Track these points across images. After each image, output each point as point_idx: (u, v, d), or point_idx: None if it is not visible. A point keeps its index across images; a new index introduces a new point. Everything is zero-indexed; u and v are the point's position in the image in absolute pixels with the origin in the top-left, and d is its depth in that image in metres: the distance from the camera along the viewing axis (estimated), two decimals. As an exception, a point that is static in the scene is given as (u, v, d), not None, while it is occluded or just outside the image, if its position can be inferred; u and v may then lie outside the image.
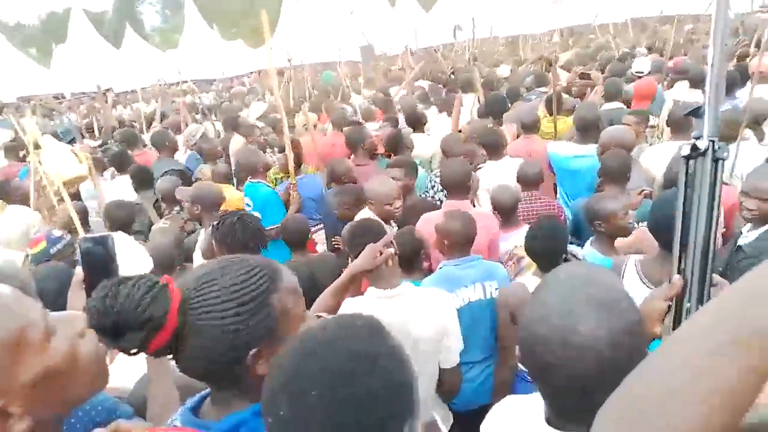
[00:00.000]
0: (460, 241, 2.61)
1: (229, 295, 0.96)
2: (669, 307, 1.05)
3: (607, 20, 14.47)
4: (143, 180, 4.80)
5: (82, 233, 3.40)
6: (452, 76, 9.00)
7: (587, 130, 4.02)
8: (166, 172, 4.94)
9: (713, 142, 0.96)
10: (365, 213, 3.20)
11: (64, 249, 3.23)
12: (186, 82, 15.19)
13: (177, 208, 4.20)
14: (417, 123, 5.54)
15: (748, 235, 2.60)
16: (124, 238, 3.51)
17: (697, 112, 3.82)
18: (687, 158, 0.99)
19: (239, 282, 0.97)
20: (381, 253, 1.85)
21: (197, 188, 3.62)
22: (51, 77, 20.95)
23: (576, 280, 1.01)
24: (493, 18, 14.34)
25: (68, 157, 4.48)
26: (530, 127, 4.60)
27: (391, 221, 3.22)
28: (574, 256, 2.88)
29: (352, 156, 4.59)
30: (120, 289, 0.91)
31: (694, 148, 0.97)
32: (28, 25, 54.06)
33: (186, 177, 5.00)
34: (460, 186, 3.26)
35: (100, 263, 1.31)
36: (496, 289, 2.60)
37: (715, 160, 0.96)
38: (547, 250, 2.49)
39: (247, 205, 4.13)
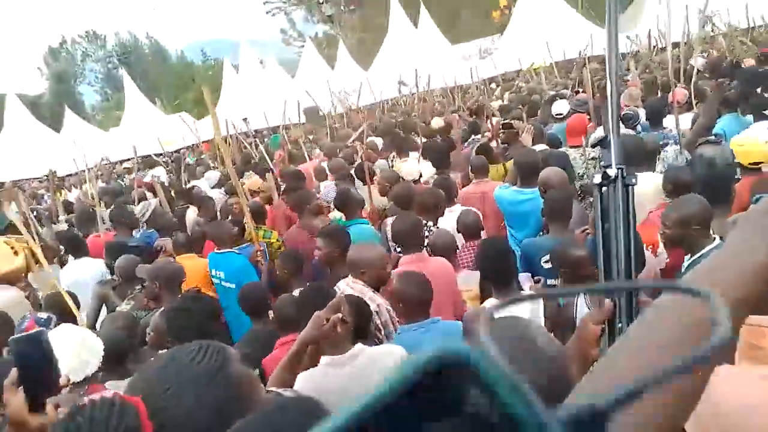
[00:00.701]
0: (415, 304, 2.57)
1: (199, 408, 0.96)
2: (603, 329, 1.09)
3: (535, 65, 15.34)
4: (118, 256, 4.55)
5: (78, 315, 3.27)
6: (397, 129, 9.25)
7: (529, 174, 4.18)
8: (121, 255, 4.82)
9: (621, 169, 1.03)
10: (345, 284, 2.95)
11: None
12: (131, 159, 15.03)
13: (138, 287, 4.04)
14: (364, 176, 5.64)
15: (683, 265, 2.75)
16: (69, 329, 3.33)
17: (603, 142, 4.06)
18: (599, 186, 1.05)
19: (202, 386, 0.97)
20: (328, 320, 1.84)
21: (155, 265, 3.53)
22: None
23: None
24: (431, 72, 14.94)
25: (2, 249, 4.26)
26: (480, 170, 4.75)
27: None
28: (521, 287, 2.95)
29: (298, 219, 4.56)
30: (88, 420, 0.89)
31: (605, 176, 1.04)
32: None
33: (147, 253, 4.85)
34: (411, 239, 3.29)
35: (34, 363, 1.26)
36: None
37: (625, 186, 1.03)
38: (498, 266, 2.55)
39: (216, 277, 4.04)
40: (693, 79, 6.65)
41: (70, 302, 3.33)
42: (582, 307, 2.33)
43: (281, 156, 9.05)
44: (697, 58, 9.07)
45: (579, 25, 18.92)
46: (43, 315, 3.15)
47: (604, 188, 1.04)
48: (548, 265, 3.22)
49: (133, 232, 5.59)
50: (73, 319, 3.23)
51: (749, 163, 3.45)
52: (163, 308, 3.10)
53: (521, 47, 17.53)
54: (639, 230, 2.71)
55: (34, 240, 4.96)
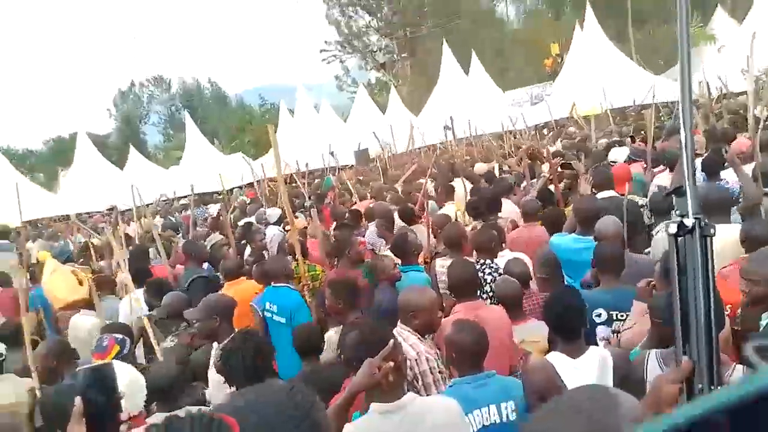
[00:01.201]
0: (469, 355, 2.47)
1: None
2: (681, 390, 1.02)
3: (586, 111, 15.19)
4: (158, 292, 4.67)
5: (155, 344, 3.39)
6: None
7: (587, 221, 4.07)
8: (194, 279, 4.93)
9: (699, 219, 0.99)
10: (401, 330, 2.89)
11: (131, 347, 3.27)
12: (187, 196, 15.61)
13: (183, 324, 4.11)
14: (410, 218, 5.62)
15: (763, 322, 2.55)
16: (119, 365, 3.41)
17: (678, 191, 3.92)
18: (675, 236, 1.00)
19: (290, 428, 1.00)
20: (380, 368, 1.80)
21: (210, 300, 3.55)
22: (57, 201, 21.54)
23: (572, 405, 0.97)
24: (481, 117, 15.05)
25: (68, 279, 4.47)
26: (531, 214, 4.67)
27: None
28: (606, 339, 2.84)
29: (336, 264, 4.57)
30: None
31: (681, 225, 1.00)
32: (36, 151, 56.47)
33: (213, 283, 4.97)
34: (467, 286, 3.22)
35: (102, 396, 1.28)
36: (513, 411, 2.41)
37: (703, 237, 0.98)
38: (567, 319, 2.45)
39: (269, 310, 4.08)
40: (758, 129, 6.40)
41: (150, 330, 3.46)
42: (653, 363, 2.20)
43: (333, 197, 9.22)
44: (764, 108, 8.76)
45: (632, 73, 18.75)
46: (119, 335, 3.26)
47: (680, 239, 1.00)
48: (600, 319, 3.11)
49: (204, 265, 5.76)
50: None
51: None
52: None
53: (574, 94, 17.43)
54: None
55: (93, 271, 5.20)
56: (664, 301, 2.07)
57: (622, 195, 5.18)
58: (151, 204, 16.14)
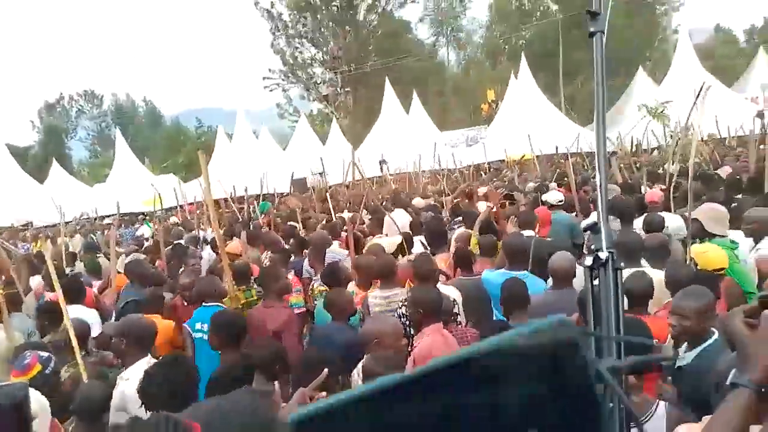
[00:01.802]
0: None
1: None
2: None
3: (515, 156, 15.98)
4: (52, 318, 4.29)
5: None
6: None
7: (516, 257, 4.29)
8: (127, 302, 4.71)
9: (612, 252, 1.07)
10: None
11: (55, 367, 2.94)
12: (112, 215, 14.94)
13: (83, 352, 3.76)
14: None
15: (685, 356, 2.72)
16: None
17: (594, 228, 4.17)
18: (590, 268, 1.08)
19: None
20: (312, 399, 1.80)
21: (124, 322, 3.44)
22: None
23: None
24: (416, 155, 15.42)
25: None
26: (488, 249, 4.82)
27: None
28: None
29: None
30: None
31: (596, 259, 1.08)
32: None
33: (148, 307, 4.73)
34: (434, 309, 3.31)
35: (9, 422, 1.19)
36: None
37: (615, 270, 1.07)
38: None
39: (200, 330, 4.04)
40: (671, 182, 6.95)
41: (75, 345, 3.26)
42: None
43: (267, 221, 9.15)
44: (676, 163, 9.55)
45: (560, 123, 19.92)
46: (44, 354, 3.01)
47: (594, 271, 1.07)
48: None
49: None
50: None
51: (712, 270, 3.58)
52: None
53: (506, 139, 18.29)
54: (649, 322, 2.77)
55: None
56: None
57: (542, 236, 5.47)
58: (71, 221, 15.29)
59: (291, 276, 5.32)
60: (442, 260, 4.88)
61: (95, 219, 16.85)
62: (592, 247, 1.12)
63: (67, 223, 15.05)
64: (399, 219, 6.67)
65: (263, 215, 10.14)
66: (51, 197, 14.23)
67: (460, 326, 3.84)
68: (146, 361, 3.07)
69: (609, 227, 1.12)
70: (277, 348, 3.09)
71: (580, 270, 4.14)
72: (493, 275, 4.29)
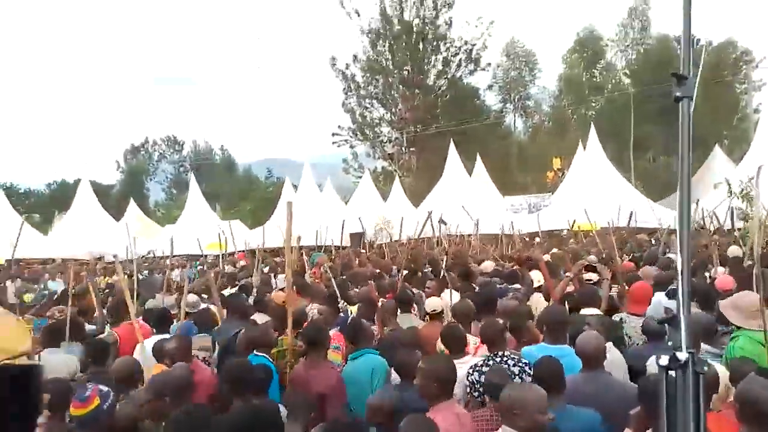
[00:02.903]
0: None
1: None
2: None
3: (582, 227, 15.49)
4: (97, 355, 4.48)
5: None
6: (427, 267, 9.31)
7: (554, 332, 4.09)
8: (236, 333, 4.67)
9: (692, 354, 0.94)
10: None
11: (112, 402, 3.00)
12: (176, 256, 15.47)
13: (133, 391, 3.76)
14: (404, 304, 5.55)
15: None
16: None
17: (672, 320, 3.86)
18: (666, 369, 0.96)
19: None
20: None
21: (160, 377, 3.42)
22: (47, 243, 21.32)
23: None
24: (479, 217, 15.25)
25: (11, 329, 4.26)
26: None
27: None
28: None
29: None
30: None
31: (674, 358, 0.95)
32: (36, 191, 56.69)
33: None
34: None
35: None
36: None
37: (696, 374, 0.93)
38: None
39: None
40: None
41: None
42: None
43: (315, 273, 9.28)
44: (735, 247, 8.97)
45: (629, 196, 19.24)
46: (105, 388, 3.08)
47: (671, 372, 0.95)
48: None
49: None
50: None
51: None
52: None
53: (570, 208, 17.82)
54: (714, 420, 2.50)
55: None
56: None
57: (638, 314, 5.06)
58: (139, 258, 15.97)
59: (334, 331, 5.22)
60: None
61: (159, 258, 17.52)
62: (670, 343, 1.00)
63: (133, 260, 15.76)
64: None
65: (314, 267, 10.26)
66: (126, 234, 14.96)
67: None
68: None
69: (692, 321, 0.99)
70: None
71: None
72: (533, 349, 4.05)
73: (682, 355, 0.94)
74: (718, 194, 15.68)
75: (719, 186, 17.78)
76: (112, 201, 42.78)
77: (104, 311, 6.29)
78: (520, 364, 3.72)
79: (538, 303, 5.84)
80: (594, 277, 6.25)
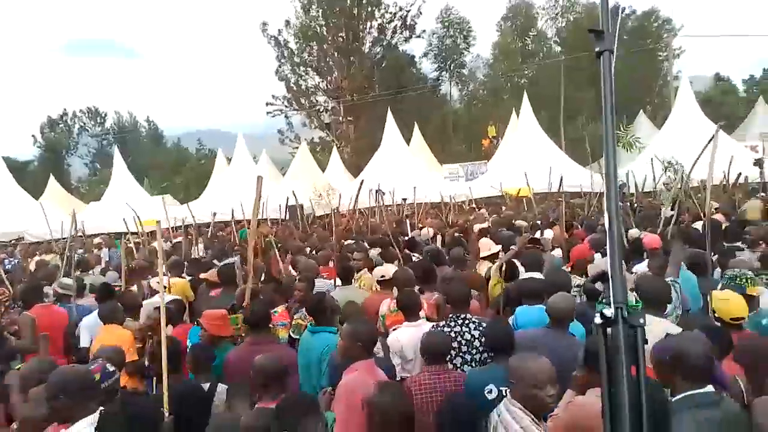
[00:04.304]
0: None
1: None
2: None
3: (514, 192, 15.93)
4: None
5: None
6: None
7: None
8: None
9: (620, 308, 0.90)
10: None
11: (111, 384, 2.88)
12: (100, 234, 14.75)
13: None
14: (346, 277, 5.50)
15: None
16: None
17: (603, 277, 3.99)
18: (602, 327, 0.91)
19: None
20: None
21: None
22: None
23: None
24: (418, 186, 15.34)
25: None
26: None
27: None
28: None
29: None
30: None
31: (603, 315, 0.91)
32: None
33: None
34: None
35: None
36: None
37: (632, 328, 0.89)
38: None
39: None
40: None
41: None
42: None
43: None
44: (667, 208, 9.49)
45: (561, 161, 19.89)
46: (111, 368, 2.98)
47: (608, 329, 0.90)
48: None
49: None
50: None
51: (730, 318, 3.39)
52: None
53: (505, 174, 18.25)
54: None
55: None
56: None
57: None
58: (63, 239, 15.07)
59: (281, 308, 5.09)
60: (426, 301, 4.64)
61: (88, 236, 16.59)
62: (604, 300, 0.95)
63: (57, 240, 14.82)
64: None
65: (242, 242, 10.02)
66: (44, 213, 14.00)
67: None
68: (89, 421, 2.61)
69: (622, 277, 0.95)
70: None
71: None
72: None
73: (609, 311, 0.89)
74: (643, 159, 16.48)
75: (642, 150, 18.71)
76: (30, 178, 40.08)
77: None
78: (480, 328, 3.83)
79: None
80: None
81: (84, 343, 5.09)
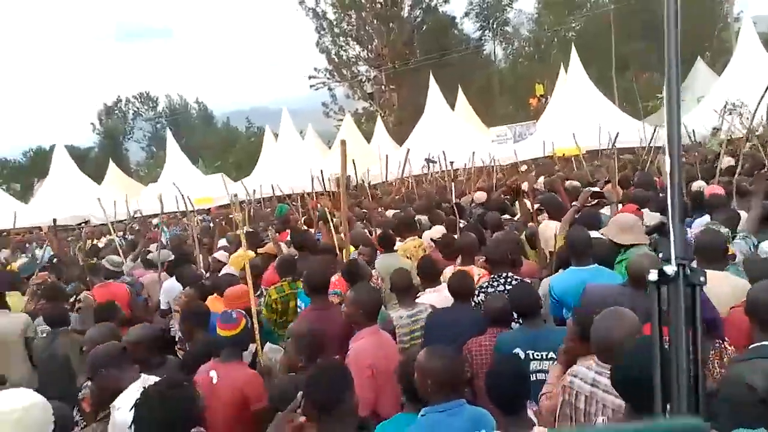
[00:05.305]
0: (444, 382, 2.37)
1: None
2: None
3: (567, 152, 15.40)
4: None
5: None
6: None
7: (583, 253, 3.87)
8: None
9: (683, 265, 0.85)
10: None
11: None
12: (158, 215, 15.29)
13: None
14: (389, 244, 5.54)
15: None
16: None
17: (661, 228, 3.81)
18: (657, 284, 0.87)
19: None
20: (292, 421, 1.72)
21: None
22: (29, 212, 20.97)
23: None
24: (465, 151, 15.11)
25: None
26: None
27: None
28: None
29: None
30: None
31: (662, 273, 0.86)
32: (13, 161, 55.42)
33: None
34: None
35: None
36: None
37: (690, 286, 0.85)
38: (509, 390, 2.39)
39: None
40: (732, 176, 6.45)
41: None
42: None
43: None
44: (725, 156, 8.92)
45: (614, 117, 19.08)
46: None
47: (663, 287, 0.86)
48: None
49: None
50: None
51: None
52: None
53: (556, 134, 17.66)
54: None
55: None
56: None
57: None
58: (125, 220, 15.79)
59: (336, 277, 5.15)
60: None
61: (149, 218, 17.31)
62: (660, 256, 0.91)
63: (120, 221, 15.54)
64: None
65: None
66: (108, 197, 14.68)
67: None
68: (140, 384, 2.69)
69: (683, 230, 0.90)
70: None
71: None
72: (564, 276, 3.92)
73: (671, 269, 0.85)
74: (701, 110, 15.57)
75: (701, 99, 17.65)
76: (91, 164, 41.96)
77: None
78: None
79: (546, 230, 5.68)
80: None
81: (164, 306, 5.72)
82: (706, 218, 4.72)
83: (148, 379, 2.56)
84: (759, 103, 6.82)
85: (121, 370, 2.77)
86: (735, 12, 32.07)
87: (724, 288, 3.05)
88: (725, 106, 11.64)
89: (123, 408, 2.53)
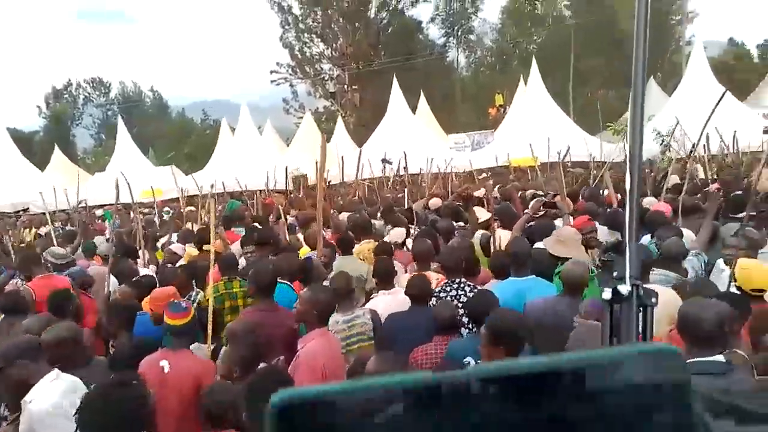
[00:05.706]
0: None
1: None
2: None
3: (521, 162, 15.71)
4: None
5: None
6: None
7: (522, 264, 4.10)
8: None
9: (637, 286, 0.82)
10: None
11: None
12: (104, 205, 14.73)
13: None
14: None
15: None
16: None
17: (618, 247, 3.92)
18: (610, 303, 0.83)
19: None
20: None
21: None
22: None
23: None
24: (423, 156, 15.16)
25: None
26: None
27: None
28: None
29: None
30: None
31: (616, 291, 0.83)
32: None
33: None
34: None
35: None
36: None
37: (642, 307, 0.81)
38: None
39: None
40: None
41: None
42: None
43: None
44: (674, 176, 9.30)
45: (569, 131, 19.59)
46: None
47: (616, 306, 0.83)
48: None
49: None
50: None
51: (751, 289, 3.27)
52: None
53: (513, 144, 17.99)
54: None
55: None
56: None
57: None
58: (67, 209, 15.09)
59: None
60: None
61: (92, 209, 16.60)
62: (615, 274, 0.87)
63: (62, 211, 14.83)
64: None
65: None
66: (51, 185, 14.01)
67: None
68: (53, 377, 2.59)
69: (638, 250, 0.86)
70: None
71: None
72: (501, 285, 4.01)
73: (625, 288, 0.81)
74: (651, 128, 16.13)
75: (652, 118, 18.33)
76: (36, 149, 40.07)
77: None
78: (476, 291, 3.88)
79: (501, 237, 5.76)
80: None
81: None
82: (647, 238, 4.72)
83: (62, 374, 2.45)
84: (705, 125, 7.09)
85: (34, 365, 2.61)
86: (687, 35, 33.52)
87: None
88: (675, 126, 12.13)
89: (36, 399, 2.42)
